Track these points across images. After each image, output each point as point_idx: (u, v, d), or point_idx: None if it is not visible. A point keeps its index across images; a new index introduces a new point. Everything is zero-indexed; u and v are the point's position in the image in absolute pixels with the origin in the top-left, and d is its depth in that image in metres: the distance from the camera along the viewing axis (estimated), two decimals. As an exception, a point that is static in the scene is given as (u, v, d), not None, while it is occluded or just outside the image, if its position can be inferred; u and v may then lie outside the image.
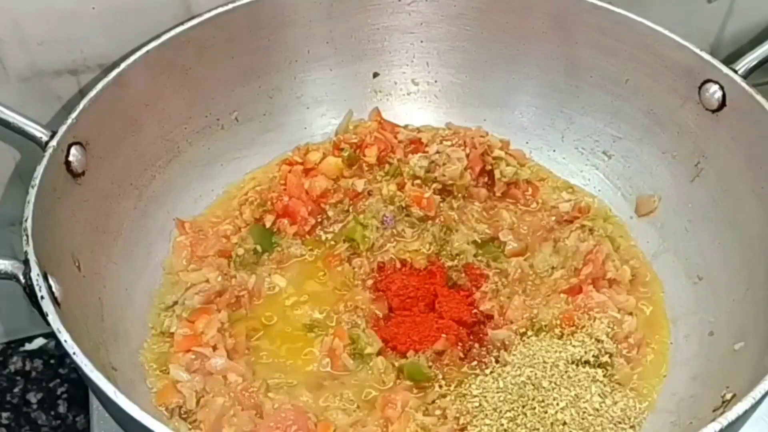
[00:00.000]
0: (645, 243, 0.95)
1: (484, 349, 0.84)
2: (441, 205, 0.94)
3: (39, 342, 1.03)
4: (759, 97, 0.84)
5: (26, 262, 0.69)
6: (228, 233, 0.91)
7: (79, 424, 0.98)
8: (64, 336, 0.65)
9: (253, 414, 0.77)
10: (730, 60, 0.89)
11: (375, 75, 1.02)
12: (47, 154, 0.76)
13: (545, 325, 0.85)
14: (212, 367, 0.79)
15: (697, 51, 0.88)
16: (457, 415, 0.78)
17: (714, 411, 0.73)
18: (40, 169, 0.74)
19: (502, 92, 1.01)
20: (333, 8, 0.95)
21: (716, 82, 0.87)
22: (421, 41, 1.01)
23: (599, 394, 0.81)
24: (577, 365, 0.82)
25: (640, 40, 0.91)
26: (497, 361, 0.82)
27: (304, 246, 0.92)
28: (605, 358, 0.83)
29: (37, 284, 0.67)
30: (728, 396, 0.73)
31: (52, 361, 1.02)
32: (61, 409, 0.99)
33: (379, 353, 0.83)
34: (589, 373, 0.81)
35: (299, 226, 0.92)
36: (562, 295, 0.87)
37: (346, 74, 1.00)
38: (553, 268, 0.90)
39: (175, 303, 0.85)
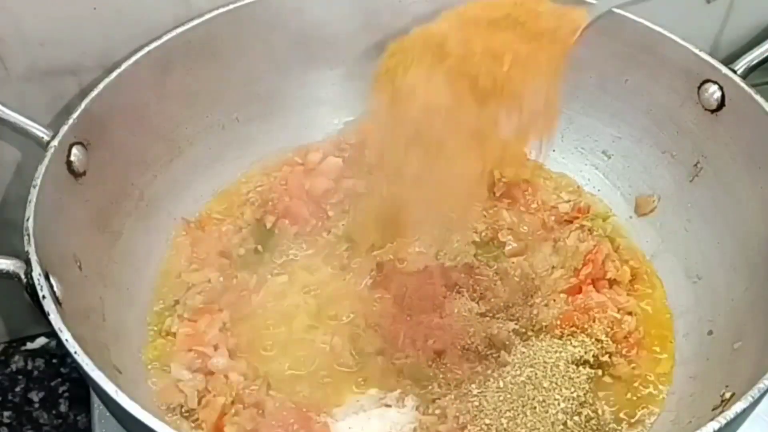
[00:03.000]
0: (644, 243, 0.95)
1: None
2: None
3: (41, 341, 1.04)
4: (758, 98, 0.84)
5: (28, 262, 0.69)
6: (229, 233, 0.91)
7: (80, 423, 0.99)
8: (65, 335, 0.65)
9: (254, 413, 0.77)
10: (729, 60, 0.89)
11: (375, 75, 1.02)
12: (48, 154, 0.76)
13: (545, 325, 0.85)
14: (214, 367, 0.80)
15: (697, 51, 0.88)
16: (457, 414, 0.78)
17: (713, 410, 0.73)
18: (41, 169, 0.74)
19: (502, 92, 1.02)
20: (333, 8, 0.95)
21: (715, 83, 0.88)
22: (422, 41, 1.01)
23: (600, 395, 0.81)
24: (578, 365, 0.82)
25: (640, 41, 0.91)
26: (497, 361, 0.82)
27: (304, 246, 0.92)
28: (605, 358, 0.83)
29: (39, 284, 0.67)
30: (727, 395, 0.73)
31: (53, 360, 1.03)
32: (63, 408, 1.00)
33: (379, 352, 0.83)
34: (590, 373, 0.82)
35: (300, 226, 0.92)
36: (562, 295, 0.88)
37: (347, 74, 1.00)
38: (552, 268, 0.91)
39: (177, 302, 0.85)
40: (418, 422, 0.79)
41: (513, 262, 0.91)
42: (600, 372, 0.83)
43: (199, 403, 0.78)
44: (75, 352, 0.64)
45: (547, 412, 0.79)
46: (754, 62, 0.89)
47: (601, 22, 0.92)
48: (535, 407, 0.79)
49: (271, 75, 0.96)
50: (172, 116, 0.91)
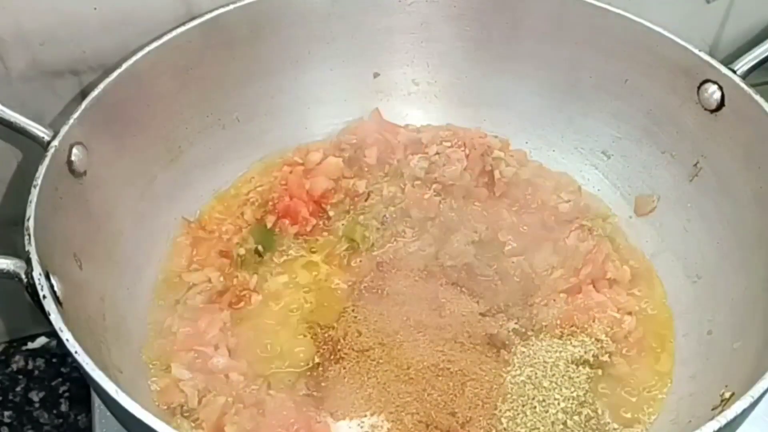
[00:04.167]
0: (644, 242, 0.95)
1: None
2: (441, 205, 0.95)
3: (41, 341, 1.04)
4: (758, 98, 0.84)
5: (28, 262, 0.69)
6: (229, 233, 0.91)
7: (81, 423, 0.99)
8: (65, 335, 0.65)
9: (254, 413, 0.77)
10: (728, 60, 0.89)
11: (375, 75, 1.02)
12: (49, 154, 0.76)
13: (545, 325, 0.85)
14: (214, 366, 0.80)
15: (696, 51, 0.88)
16: (457, 412, 0.78)
17: (713, 410, 0.73)
18: (41, 169, 0.74)
19: (502, 92, 1.02)
20: (333, 8, 0.95)
21: (715, 83, 0.88)
22: (422, 42, 1.01)
23: (599, 394, 0.81)
24: (578, 365, 0.82)
25: (639, 41, 0.91)
26: (497, 361, 0.83)
27: (304, 246, 0.92)
28: (605, 358, 0.83)
29: (39, 283, 0.67)
30: (727, 395, 0.73)
31: (54, 360, 1.03)
32: (63, 407, 1.00)
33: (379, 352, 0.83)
34: (590, 373, 0.82)
35: (300, 226, 0.93)
36: (562, 295, 0.88)
37: (347, 74, 1.01)
38: (552, 268, 0.91)
39: (177, 302, 0.85)
40: (418, 421, 0.79)
41: (513, 262, 0.91)
42: (600, 372, 0.83)
43: (199, 402, 0.78)
44: (75, 352, 0.64)
45: (547, 411, 0.79)
46: (754, 62, 0.89)
47: (601, 21, 0.93)
48: (535, 407, 0.79)
49: (271, 75, 0.97)
50: (172, 116, 0.91)
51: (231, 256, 0.89)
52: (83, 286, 0.77)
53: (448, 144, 0.98)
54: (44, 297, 0.67)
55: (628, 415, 0.81)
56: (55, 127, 0.78)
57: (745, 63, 0.88)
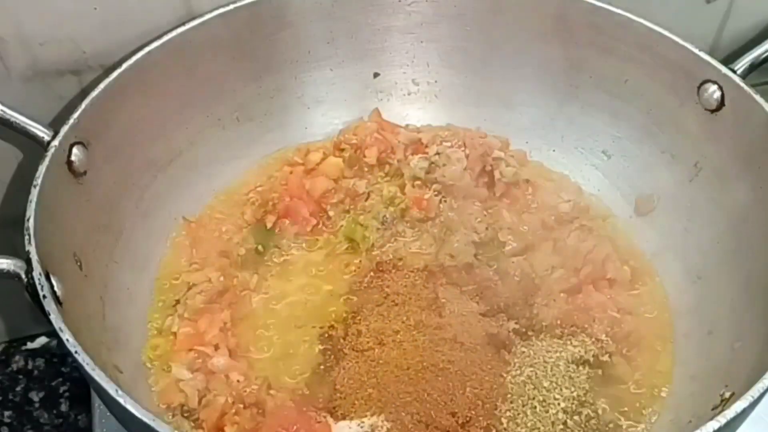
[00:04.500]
0: (644, 242, 0.95)
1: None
2: (441, 205, 0.95)
3: (41, 341, 1.04)
4: (758, 97, 0.84)
5: (28, 262, 0.69)
6: (229, 233, 0.91)
7: (81, 423, 0.99)
8: (66, 335, 0.65)
9: (254, 413, 0.77)
10: (728, 60, 0.89)
11: (375, 75, 1.02)
12: (49, 154, 0.76)
13: (545, 325, 0.85)
14: (214, 366, 0.80)
15: (696, 51, 0.88)
16: (456, 411, 0.78)
17: (713, 409, 0.73)
18: (42, 169, 0.74)
19: (502, 92, 1.02)
20: (333, 8, 0.96)
21: (715, 82, 0.88)
22: (422, 41, 1.01)
23: (600, 394, 0.81)
24: (578, 365, 0.82)
25: (640, 41, 0.91)
26: (497, 361, 0.82)
27: (305, 246, 0.93)
28: (605, 358, 0.83)
29: (39, 283, 0.67)
30: (727, 395, 0.73)
31: (54, 360, 1.03)
32: (63, 407, 1.00)
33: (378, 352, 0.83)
34: (590, 373, 0.82)
35: (300, 226, 0.93)
36: (562, 294, 0.88)
37: (347, 74, 1.01)
38: (552, 267, 0.91)
39: (177, 302, 0.85)
40: (418, 421, 0.79)
41: (513, 262, 0.91)
42: (600, 372, 0.83)
43: (199, 402, 0.78)
44: (76, 352, 0.64)
45: (547, 411, 0.79)
46: (754, 62, 0.89)
47: (601, 21, 0.93)
48: (535, 407, 0.79)
49: (271, 75, 0.97)
50: (172, 116, 0.91)
51: (231, 256, 0.90)
52: (83, 286, 0.77)
53: (448, 144, 0.98)
54: (44, 297, 0.67)
55: (628, 415, 0.81)
56: (55, 127, 0.78)
57: (745, 63, 0.88)
